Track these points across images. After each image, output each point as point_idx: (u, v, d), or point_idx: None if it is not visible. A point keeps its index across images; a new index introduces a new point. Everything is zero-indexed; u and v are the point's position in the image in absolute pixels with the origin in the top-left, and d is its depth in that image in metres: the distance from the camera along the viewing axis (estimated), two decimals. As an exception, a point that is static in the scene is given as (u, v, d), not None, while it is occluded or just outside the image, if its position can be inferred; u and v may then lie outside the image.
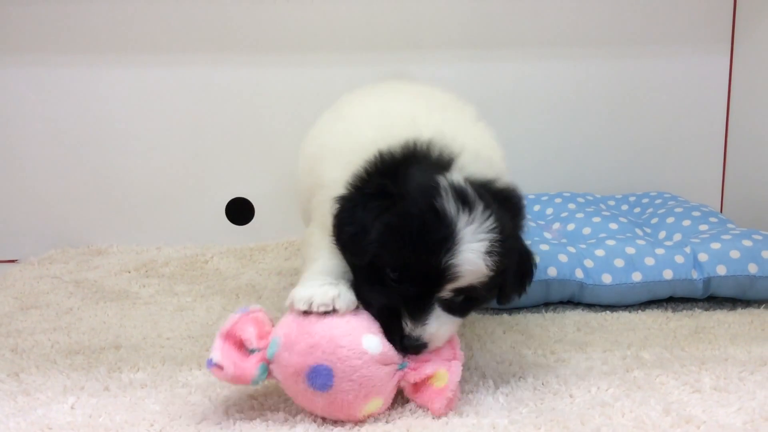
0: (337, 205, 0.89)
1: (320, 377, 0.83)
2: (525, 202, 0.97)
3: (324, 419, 0.87)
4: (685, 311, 1.26)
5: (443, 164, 0.89)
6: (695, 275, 1.27)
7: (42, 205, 1.77)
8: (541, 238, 1.40)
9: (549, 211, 1.63)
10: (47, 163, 1.76)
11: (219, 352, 0.85)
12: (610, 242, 1.33)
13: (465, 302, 0.89)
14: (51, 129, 1.74)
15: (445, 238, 0.82)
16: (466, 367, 1.03)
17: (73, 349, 1.13)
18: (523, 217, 0.96)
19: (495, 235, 0.84)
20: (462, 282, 0.85)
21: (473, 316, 1.25)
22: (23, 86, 1.72)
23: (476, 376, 1.00)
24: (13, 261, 1.71)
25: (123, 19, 1.70)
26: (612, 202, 1.69)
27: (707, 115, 1.82)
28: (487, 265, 0.84)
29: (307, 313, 0.87)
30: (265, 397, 0.93)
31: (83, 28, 1.70)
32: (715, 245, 1.29)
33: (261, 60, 1.75)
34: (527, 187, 1.75)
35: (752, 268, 1.26)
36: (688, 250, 1.29)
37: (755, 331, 1.17)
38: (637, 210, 1.64)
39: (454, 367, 0.88)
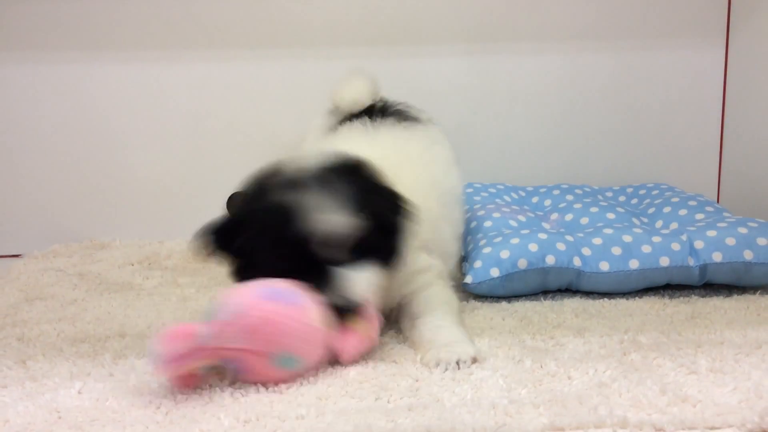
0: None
1: (289, 361, 0.93)
2: (374, 170, 1.09)
3: (325, 400, 0.89)
4: (681, 298, 1.28)
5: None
6: (691, 262, 1.28)
7: (45, 201, 1.79)
8: (539, 228, 1.42)
9: (547, 202, 1.65)
10: (50, 160, 1.78)
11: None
12: (608, 231, 1.35)
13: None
14: (53, 125, 1.76)
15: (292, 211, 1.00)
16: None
17: (79, 338, 1.15)
18: (375, 180, 1.08)
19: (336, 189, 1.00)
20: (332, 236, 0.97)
21: (472, 304, 1.27)
22: (25, 83, 1.74)
23: (476, 359, 1.02)
24: (17, 256, 1.72)
25: (122, 15, 1.72)
26: (609, 194, 1.70)
27: (703, 107, 1.83)
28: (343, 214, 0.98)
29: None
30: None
31: (82, 25, 1.72)
32: (711, 233, 1.30)
33: (260, 55, 1.76)
34: (524, 180, 1.80)
35: (747, 255, 1.27)
36: (684, 237, 1.30)
37: (751, 316, 1.18)
38: (634, 201, 1.65)
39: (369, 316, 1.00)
